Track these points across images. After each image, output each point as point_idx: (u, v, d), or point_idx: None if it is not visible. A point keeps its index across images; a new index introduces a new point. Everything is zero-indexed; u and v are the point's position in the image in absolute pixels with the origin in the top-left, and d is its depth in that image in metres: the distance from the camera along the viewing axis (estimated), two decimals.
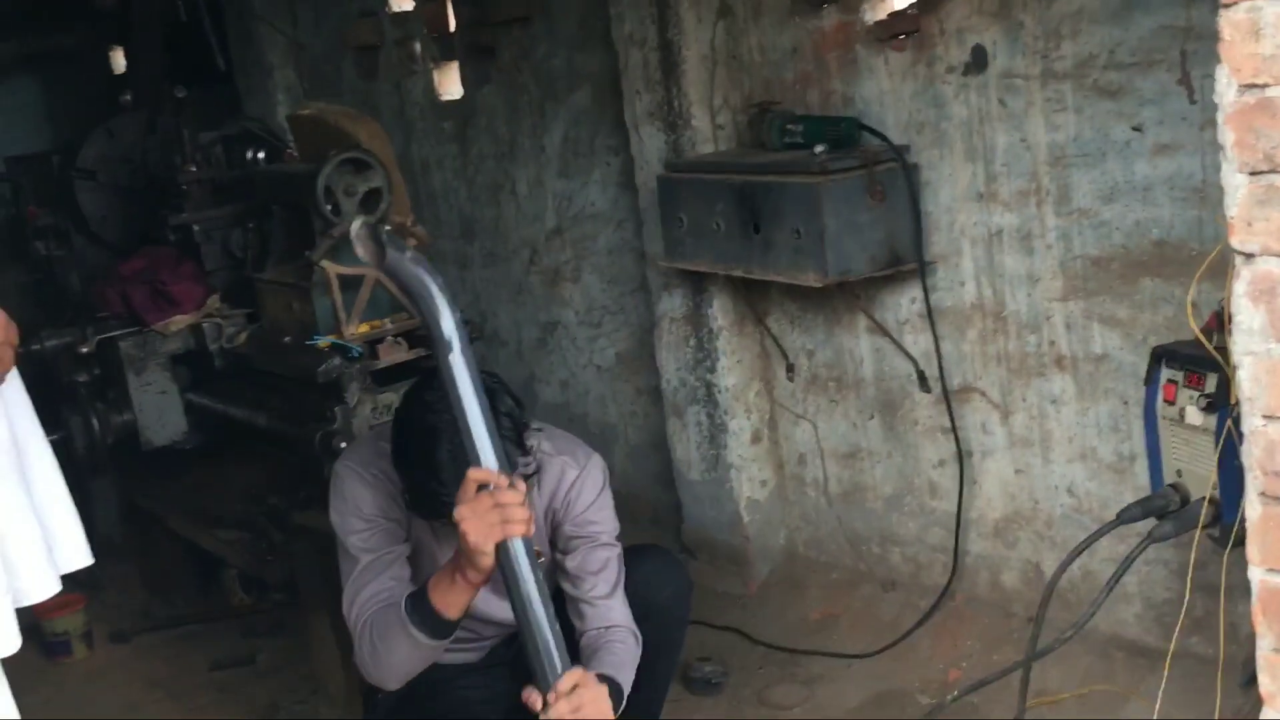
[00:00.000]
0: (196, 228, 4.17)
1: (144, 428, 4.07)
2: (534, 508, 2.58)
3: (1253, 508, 1.79)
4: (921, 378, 3.40)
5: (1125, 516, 2.52)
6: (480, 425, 2.05)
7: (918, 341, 3.39)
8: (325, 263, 3.44)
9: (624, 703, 2.36)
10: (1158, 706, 2.47)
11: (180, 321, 4.00)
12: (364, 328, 3.49)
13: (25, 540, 1.81)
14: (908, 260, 3.26)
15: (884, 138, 3.25)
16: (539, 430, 2.55)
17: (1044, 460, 3.20)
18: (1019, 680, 2.68)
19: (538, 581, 2.09)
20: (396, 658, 2.34)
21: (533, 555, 2.10)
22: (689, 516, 4.08)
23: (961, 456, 3.33)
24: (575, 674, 2.12)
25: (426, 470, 2.31)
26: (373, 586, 2.40)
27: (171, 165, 4.22)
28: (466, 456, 2.12)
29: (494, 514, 2.07)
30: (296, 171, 3.75)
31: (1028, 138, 3.03)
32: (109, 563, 4.42)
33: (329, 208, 3.45)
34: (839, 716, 3.20)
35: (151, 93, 4.51)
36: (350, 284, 3.48)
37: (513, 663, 2.65)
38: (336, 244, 3.45)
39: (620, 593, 2.55)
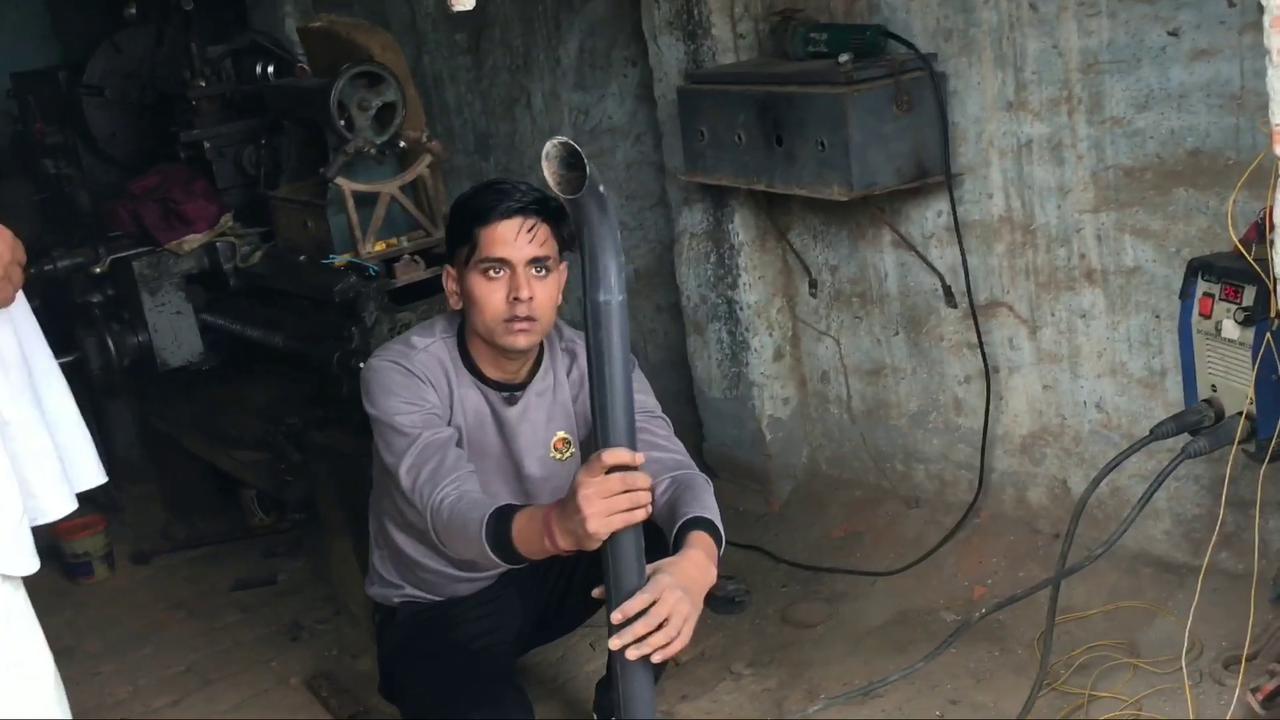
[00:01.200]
0: (208, 144, 4.10)
1: (159, 348, 4.04)
2: (562, 397, 2.57)
3: None
4: (948, 292, 3.34)
5: (1159, 432, 2.48)
6: (620, 395, 1.91)
7: (944, 256, 3.33)
8: (340, 180, 3.39)
9: (723, 541, 2.27)
10: (1190, 621, 2.45)
11: (194, 240, 3.95)
12: (380, 246, 3.45)
13: (40, 457, 1.80)
14: (934, 172, 3.18)
15: (911, 46, 3.16)
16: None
17: (1072, 375, 3.15)
18: (1047, 597, 2.67)
19: (639, 570, 2.01)
20: (461, 550, 2.27)
21: (640, 542, 2.01)
22: (710, 435, 4.05)
23: (988, 372, 3.29)
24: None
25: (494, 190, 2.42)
26: (438, 459, 2.31)
27: (180, 80, 4.14)
28: (530, 199, 2.30)
29: (624, 499, 1.94)
30: (308, 86, 3.67)
31: (1059, 44, 2.94)
32: (127, 484, 4.44)
33: (342, 123, 3.38)
34: (863, 634, 3.19)
35: (157, 5, 4.41)
36: (365, 201, 3.43)
37: (520, 585, 2.65)
38: (351, 160, 3.40)
39: (683, 449, 2.50)
